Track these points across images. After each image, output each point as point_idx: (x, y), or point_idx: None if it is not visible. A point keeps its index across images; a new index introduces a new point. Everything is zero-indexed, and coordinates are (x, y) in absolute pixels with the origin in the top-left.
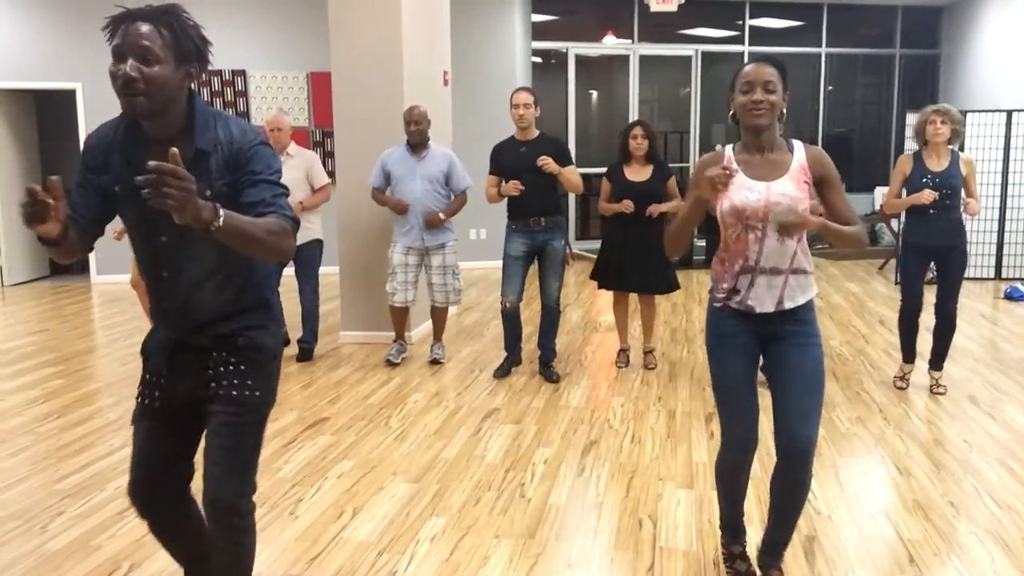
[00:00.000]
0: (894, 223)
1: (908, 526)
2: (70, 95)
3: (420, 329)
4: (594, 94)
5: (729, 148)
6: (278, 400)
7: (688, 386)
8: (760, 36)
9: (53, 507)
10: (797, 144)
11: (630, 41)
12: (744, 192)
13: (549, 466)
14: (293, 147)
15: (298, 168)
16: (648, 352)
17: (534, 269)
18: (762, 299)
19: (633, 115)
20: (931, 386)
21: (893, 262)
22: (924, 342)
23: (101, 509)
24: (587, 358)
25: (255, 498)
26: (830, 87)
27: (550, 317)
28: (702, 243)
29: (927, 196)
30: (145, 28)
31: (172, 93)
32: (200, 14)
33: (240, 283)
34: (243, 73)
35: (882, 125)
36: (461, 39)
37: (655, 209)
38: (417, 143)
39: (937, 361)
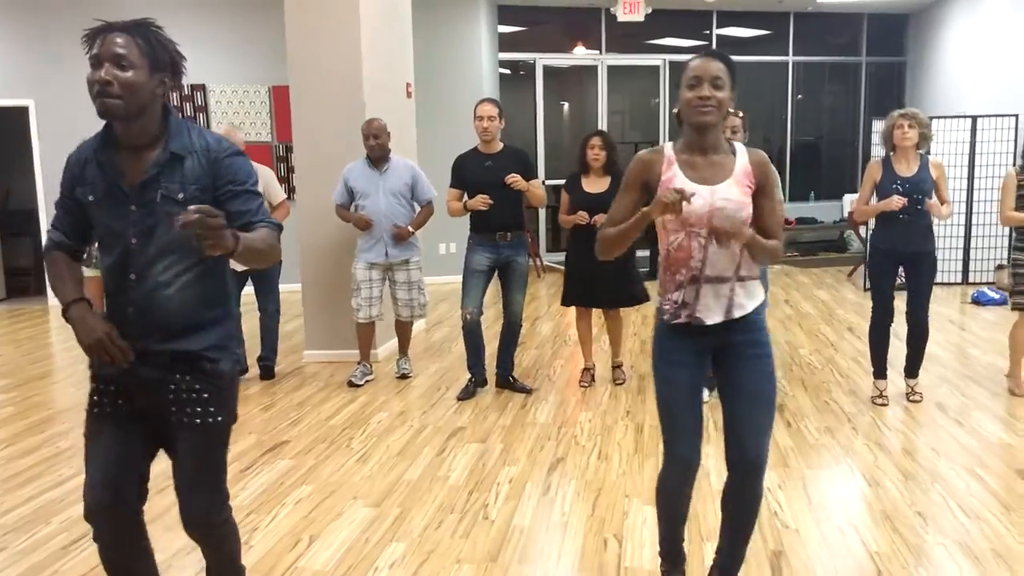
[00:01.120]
0: (862, 230)
1: (876, 538)
2: (23, 111)
3: (387, 346)
4: (564, 105)
5: (670, 146)
6: (238, 423)
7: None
8: (727, 45)
9: None
10: (739, 147)
11: (598, 52)
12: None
13: (514, 485)
14: None
15: None
16: (616, 367)
17: (495, 285)
18: (710, 309)
19: (602, 126)
20: (907, 394)
21: (862, 269)
22: (896, 350)
23: (45, 544)
24: (556, 373)
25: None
26: (800, 96)
27: (513, 333)
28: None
29: (896, 202)
30: (120, 38)
31: (145, 99)
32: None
33: (206, 284)
34: (203, 87)
35: (849, 132)
36: (426, 51)
37: (600, 219)
38: (378, 157)
39: (912, 368)
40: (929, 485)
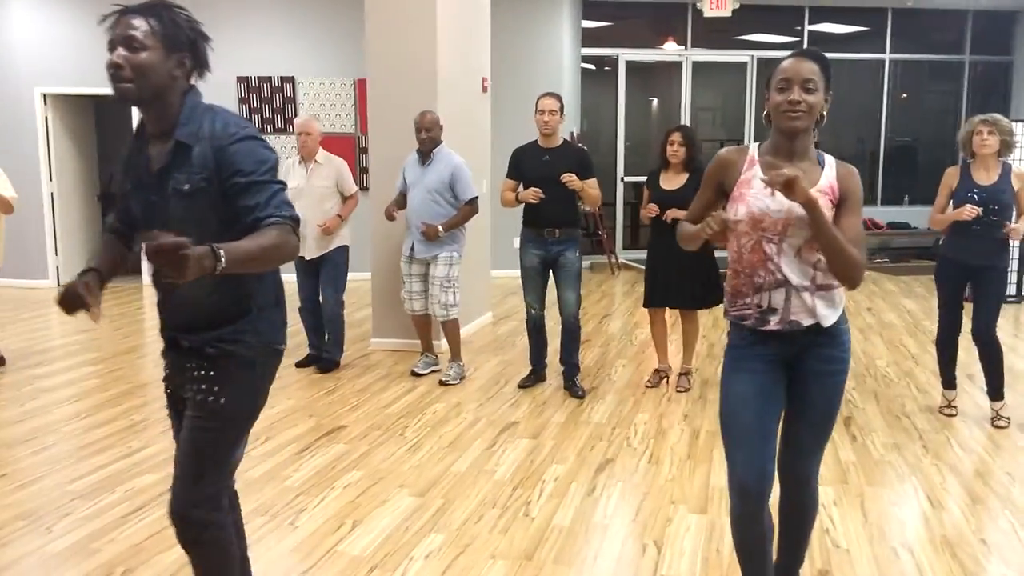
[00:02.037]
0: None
1: (933, 564)
2: None
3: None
4: (650, 101)
5: (755, 147)
6: (300, 406)
7: (717, 404)
8: (820, 42)
9: (62, 508)
10: (829, 159)
11: (683, 47)
12: (764, 199)
13: (559, 484)
14: (322, 154)
15: (327, 177)
16: (684, 374)
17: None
18: (800, 313)
19: (686, 123)
20: (992, 419)
21: None
22: (968, 365)
23: (107, 512)
24: (617, 372)
25: (249, 510)
26: (904, 95)
27: (570, 332)
28: None
29: (968, 212)
30: (134, 19)
31: (161, 81)
32: (250, 20)
33: (223, 280)
34: (292, 80)
35: (949, 134)
36: (506, 45)
37: (670, 214)
38: (427, 150)
39: (994, 391)
40: (999, 512)
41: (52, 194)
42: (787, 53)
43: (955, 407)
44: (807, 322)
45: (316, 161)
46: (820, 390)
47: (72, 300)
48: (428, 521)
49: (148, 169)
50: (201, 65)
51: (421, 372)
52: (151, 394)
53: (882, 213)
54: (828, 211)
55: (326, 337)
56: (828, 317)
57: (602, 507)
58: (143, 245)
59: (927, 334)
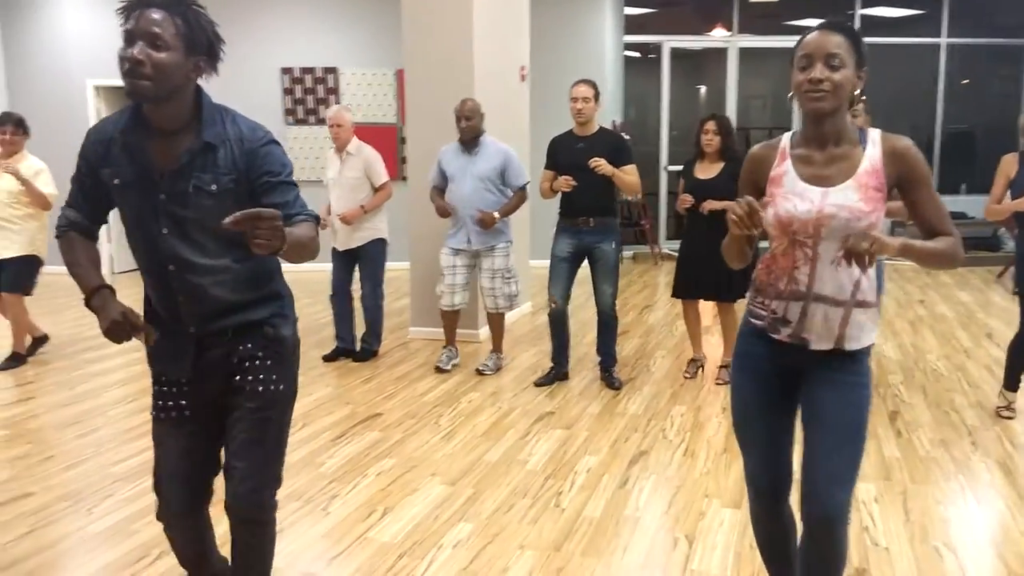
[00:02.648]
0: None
1: (976, 565)
2: None
3: (486, 328)
4: (700, 89)
5: (787, 137)
6: (336, 394)
7: None
8: (873, 26)
9: (104, 489)
10: (873, 135)
11: (729, 33)
12: (793, 200)
13: (591, 475)
14: (354, 144)
15: (357, 168)
16: (723, 366)
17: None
18: (819, 334)
19: (731, 111)
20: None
21: (1012, 270)
22: None
23: (147, 494)
24: (655, 364)
25: (283, 495)
26: (965, 80)
27: (606, 325)
28: None
29: None
30: (158, 15)
31: (178, 82)
32: (294, 12)
33: (250, 267)
34: (334, 70)
35: (1009, 122)
36: (547, 34)
37: (707, 206)
38: (469, 139)
39: None
40: None
41: None
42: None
43: (1014, 410)
44: (819, 345)
45: (348, 152)
46: (836, 399)
47: (120, 332)
48: (458, 510)
49: (150, 167)
50: (213, 68)
51: (444, 367)
52: None
53: None
54: (874, 201)
55: (364, 328)
56: (857, 339)
57: (634, 499)
58: (232, 217)
59: (980, 327)
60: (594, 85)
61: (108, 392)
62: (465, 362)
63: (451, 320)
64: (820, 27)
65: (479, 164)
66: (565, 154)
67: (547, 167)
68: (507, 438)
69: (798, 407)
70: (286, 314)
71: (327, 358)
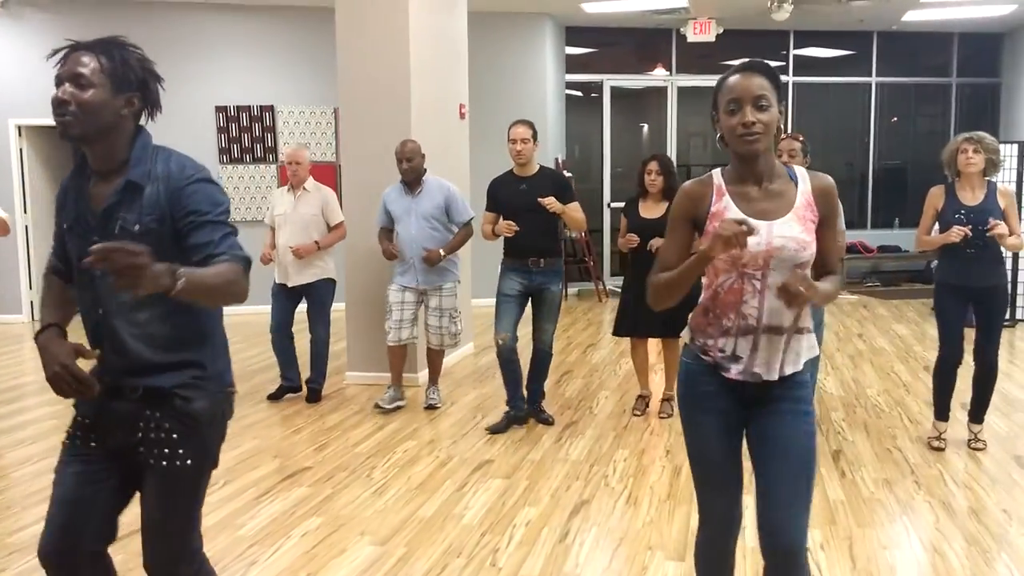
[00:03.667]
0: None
1: None
2: None
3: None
4: (635, 127)
5: (718, 173)
6: (265, 446)
7: None
8: (806, 66)
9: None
10: (800, 172)
11: (667, 72)
12: None
13: (531, 529)
14: (311, 182)
15: (313, 205)
16: (666, 400)
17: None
18: (769, 364)
19: (672, 148)
20: (969, 440)
21: None
22: (963, 393)
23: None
24: (599, 405)
25: (209, 552)
26: (895, 118)
27: (540, 361)
28: None
29: (955, 234)
30: (84, 56)
31: (107, 120)
32: (229, 50)
33: (178, 322)
34: (271, 108)
35: (939, 158)
36: (487, 72)
37: (656, 243)
38: (411, 180)
39: (977, 413)
40: (995, 555)
41: (27, 227)
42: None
43: (945, 439)
44: (770, 376)
45: (304, 189)
46: (789, 428)
47: (61, 385)
48: (388, 573)
49: (90, 208)
50: (152, 105)
51: (386, 406)
52: None
53: (872, 236)
54: (812, 232)
55: (312, 370)
56: (794, 363)
57: (574, 555)
58: (93, 248)
59: (919, 360)
60: (531, 125)
61: (15, 451)
62: (406, 405)
63: (398, 357)
64: (741, 70)
65: (423, 203)
66: (508, 195)
67: (489, 209)
68: (443, 490)
69: (742, 439)
70: (202, 385)
71: (272, 397)
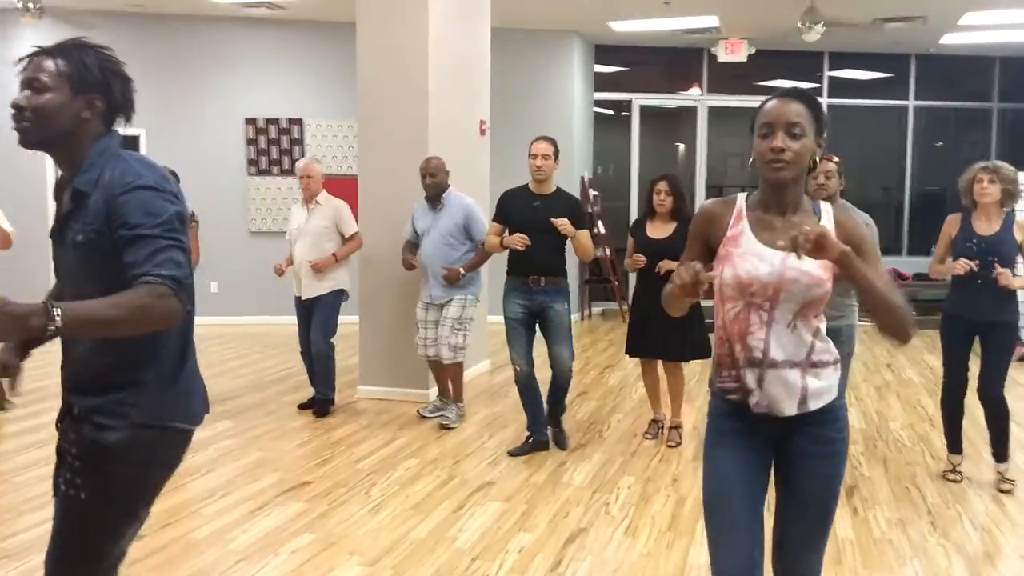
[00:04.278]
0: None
1: None
2: (135, 141)
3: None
4: (676, 146)
5: (743, 198)
6: (269, 458)
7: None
8: (841, 88)
9: None
10: (826, 208)
11: (698, 92)
12: (752, 260)
13: (523, 556)
14: (323, 196)
15: (326, 217)
16: (673, 428)
17: None
18: (780, 400)
19: (701, 168)
20: (996, 482)
21: None
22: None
23: (36, 572)
24: (609, 428)
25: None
26: (939, 143)
27: (559, 387)
28: None
29: (960, 267)
30: (44, 61)
31: (64, 124)
32: (259, 63)
33: (116, 343)
34: (300, 121)
35: None
36: (513, 88)
37: (664, 266)
38: (433, 195)
39: (998, 451)
40: None
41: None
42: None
43: (960, 472)
44: (786, 411)
45: (317, 202)
46: (811, 475)
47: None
48: None
49: (58, 216)
50: (118, 107)
51: (427, 415)
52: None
53: (908, 264)
54: (829, 271)
55: (316, 381)
56: (818, 398)
57: None
58: None
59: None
60: (554, 142)
61: (23, 455)
62: (415, 422)
63: (436, 371)
64: (781, 95)
65: (443, 220)
66: (519, 211)
67: (496, 219)
68: (439, 511)
69: (769, 479)
70: (122, 414)
71: (303, 406)
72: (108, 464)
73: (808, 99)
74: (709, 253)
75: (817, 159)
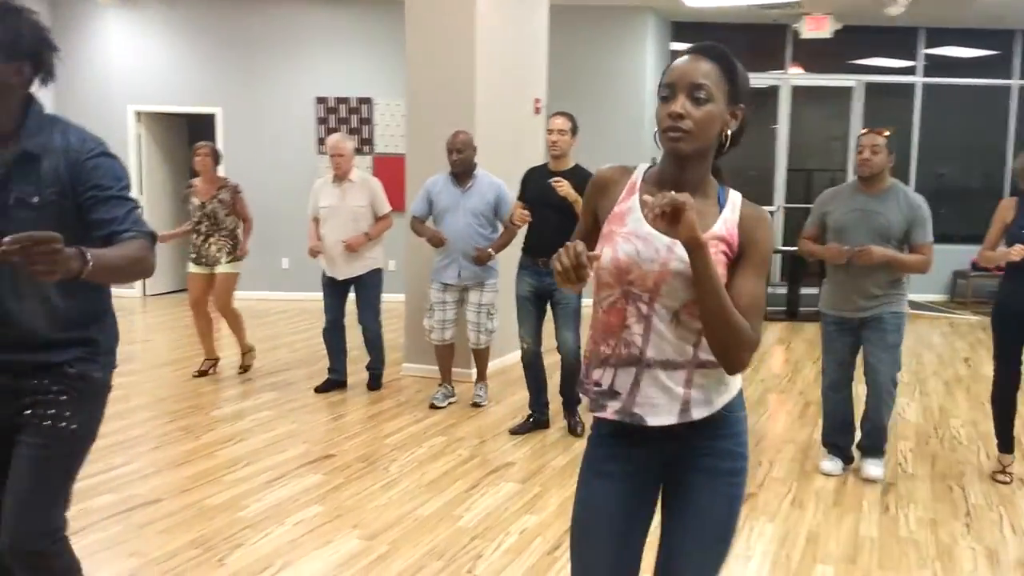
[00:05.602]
0: None
1: None
2: (211, 118)
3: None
4: (773, 128)
5: (642, 169)
6: (299, 430)
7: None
8: (940, 67)
9: None
10: (734, 198)
11: (781, 71)
12: (635, 243)
13: (523, 538)
14: (356, 174)
15: (360, 197)
16: None
17: None
18: (655, 405)
19: (782, 151)
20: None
21: None
22: None
23: None
24: None
25: (186, 540)
26: None
27: (567, 369)
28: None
29: (1016, 252)
30: None
31: None
32: (330, 42)
33: (71, 302)
34: (369, 100)
35: None
36: (581, 67)
37: None
38: (461, 172)
39: None
40: None
41: (142, 208)
42: (903, 79)
43: (1011, 474)
44: (657, 420)
45: (350, 180)
46: (711, 495)
47: None
48: (362, 569)
49: None
50: (45, 73)
51: (439, 404)
52: (164, 408)
53: None
54: (722, 267)
55: (369, 356)
56: (712, 402)
57: (557, 568)
58: (8, 239)
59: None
60: (572, 118)
61: None
62: (457, 401)
63: (446, 355)
64: (689, 51)
65: (472, 199)
66: (537, 187)
67: (519, 197)
68: (451, 490)
69: (655, 507)
70: (95, 359)
71: (319, 389)
72: (91, 398)
73: (721, 56)
74: (595, 224)
75: (730, 132)
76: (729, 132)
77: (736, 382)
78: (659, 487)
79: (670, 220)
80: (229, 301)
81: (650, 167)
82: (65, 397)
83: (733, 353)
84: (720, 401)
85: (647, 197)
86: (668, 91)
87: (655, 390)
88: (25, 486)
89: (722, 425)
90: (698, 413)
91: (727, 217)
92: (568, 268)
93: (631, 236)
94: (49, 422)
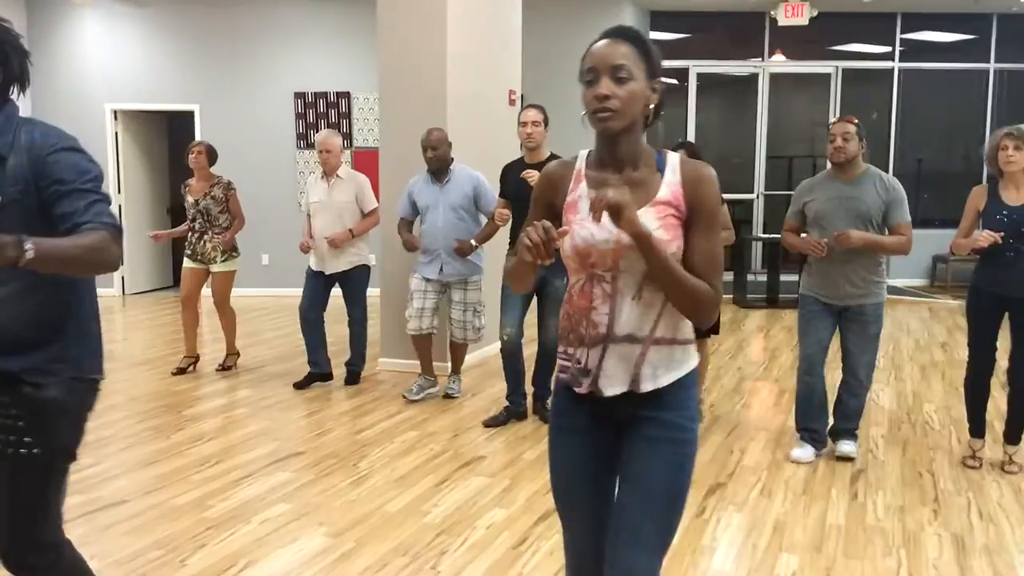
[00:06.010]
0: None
1: None
2: (190, 115)
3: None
4: (727, 116)
5: (583, 157)
6: (271, 428)
7: (714, 448)
8: (917, 51)
9: None
10: (671, 158)
11: (759, 59)
12: (589, 227)
13: (489, 533)
14: (344, 170)
15: (347, 192)
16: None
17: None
18: (612, 377)
19: (762, 137)
20: (1003, 463)
21: None
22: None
23: None
24: None
25: (151, 541)
26: None
27: (546, 357)
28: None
29: (984, 239)
30: None
31: None
32: (308, 37)
33: (34, 300)
34: (347, 95)
35: None
36: (556, 58)
37: None
38: (437, 169)
39: (1012, 434)
40: None
41: (120, 206)
42: (880, 64)
43: (980, 459)
44: (611, 390)
45: (338, 176)
46: (654, 462)
47: None
48: (326, 567)
49: None
50: (15, 79)
51: (412, 398)
52: (137, 408)
53: None
54: (674, 230)
55: (351, 352)
56: (658, 377)
57: (522, 563)
58: None
59: (999, 377)
60: (543, 110)
61: None
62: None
63: (424, 346)
64: (604, 35)
65: (451, 194)
66: (515, 182)
67: (501, 194)
68: (421, 485)
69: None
70: (54, 369)
71: (299, 385)
72: (53, 419)
73: (635, 38)
74: (548, 217)
75: (652, 107)
76: (651, 106)
77: (691, 361)
78: (613, 451)
79: (612, 216)
80: (227, 298)
81: (589, 153)
82: (22, 423)
83: (698, 314)
84: (669, 377)
85: (593, 197)
86: (592, 75)
87: (613, 362)
88: (3, 506)
89: (671, 399)
90: (646, 386)
91: (669, 180)
92: (537, 243)
93: (585, 222)
94: (11, 449)
